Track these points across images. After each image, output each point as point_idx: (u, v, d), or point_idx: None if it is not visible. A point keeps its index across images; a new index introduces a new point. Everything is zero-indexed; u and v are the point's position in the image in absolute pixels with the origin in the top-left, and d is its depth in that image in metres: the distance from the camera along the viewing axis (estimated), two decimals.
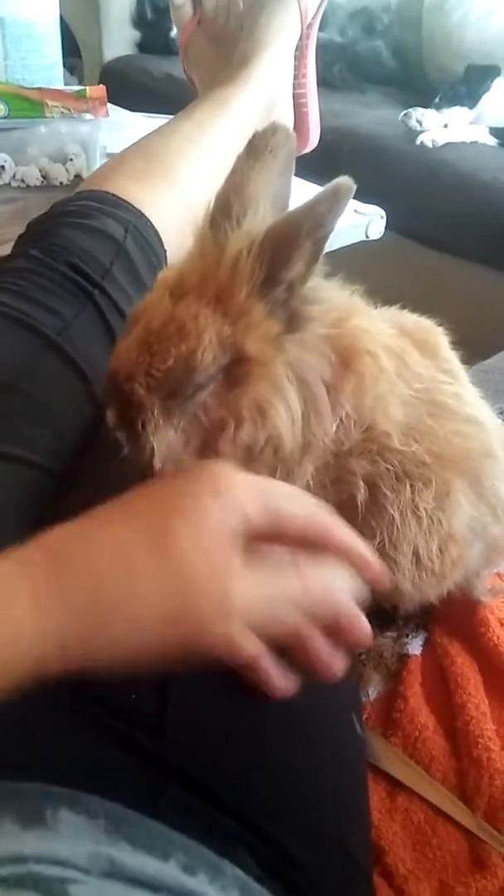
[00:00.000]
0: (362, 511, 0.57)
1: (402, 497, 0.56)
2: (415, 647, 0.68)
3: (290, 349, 0.49)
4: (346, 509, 0.57)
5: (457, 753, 0.59)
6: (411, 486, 0.56)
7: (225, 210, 0.50)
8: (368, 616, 0.68)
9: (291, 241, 0.45)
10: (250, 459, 0.51)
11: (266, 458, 0.51)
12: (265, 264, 0.46)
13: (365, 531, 0.58)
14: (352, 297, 0.56)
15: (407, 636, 0.69)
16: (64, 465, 0.63)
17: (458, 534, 0.59)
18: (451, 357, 0.61)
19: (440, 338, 0.61)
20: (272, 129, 0.52)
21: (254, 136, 0.52)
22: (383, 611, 0.67)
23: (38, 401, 0.64)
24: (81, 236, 0.75)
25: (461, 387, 0.61)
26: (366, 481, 0.56)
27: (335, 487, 0.57)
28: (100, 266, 0.73)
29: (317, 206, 0.44)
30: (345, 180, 0.43)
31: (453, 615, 0.69)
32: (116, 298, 0.73)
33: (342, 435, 0.53)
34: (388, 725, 0.61)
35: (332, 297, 0.53)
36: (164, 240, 0.84)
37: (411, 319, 0.61)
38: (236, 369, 0.48)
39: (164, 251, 0.85)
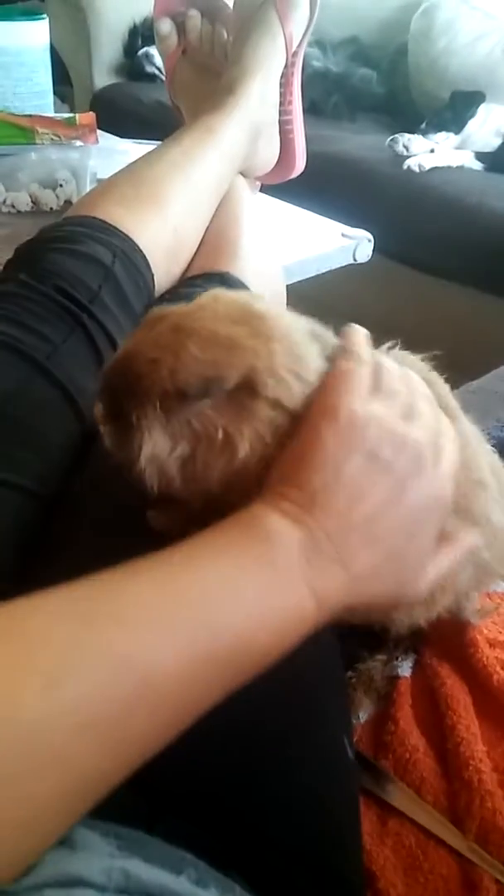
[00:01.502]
0: None
1: None
2: (405, 669, 0.68)
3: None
4: None
5: (447, 775, 0.58)
6: None
7: None
8: (357, 639, 0.69)
9: None
10: (237, 481, 0.51)
11: (250, 485, 0.52)
12: None
13: None
14: None
15: (397, 659, 0.69)
16: (51, 489, 0.63)
17: None
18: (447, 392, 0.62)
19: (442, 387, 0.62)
20: None
21: None
22: (373, 634, 0.67)
23: (26, 425, 0.64)
24: (69, 261, 0.75)
25: (459, 423, 0.61)
26: None
27: None
28: (88, 290, 0.74)
29: None
30: None
31: (443, 636, 0.68)
32: (105, 322, 0.73)
33: None
34: (378, 748, 0.60)
35: None
36: (151, 264, 0.85)
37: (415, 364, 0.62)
38: (244, 396, 0.49)
39: (152, 275, 0.85)
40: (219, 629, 0.39)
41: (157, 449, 0.49)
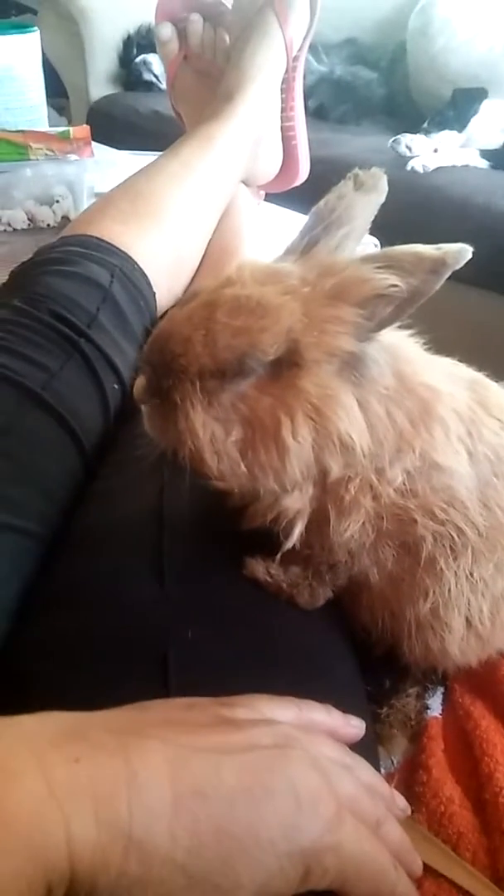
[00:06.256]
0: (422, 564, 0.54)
1: (461, 560, 0.54)
2: (434, 703, 0.64)
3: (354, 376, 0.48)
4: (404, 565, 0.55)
5: (486, 829, 0.54)
6: (473, 549, 0.54)
7: (327, 228, 0.52)
8: (387, 674, 0.65)
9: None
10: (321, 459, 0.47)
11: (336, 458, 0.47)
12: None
13: (418, 590, 0.55)
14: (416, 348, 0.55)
15: (427, 689, 0.65)
16: (51, 526, 0.60)
17: None
18: None
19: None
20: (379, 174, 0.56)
21: (361, 174, 0.55)
22: (401, 668, 0.63)
23: (22, 459, 0.61)
24: (65, 284, 0.72)
25: None
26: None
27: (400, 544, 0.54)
28: (85, 314, 0.70)
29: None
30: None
31: (473, 671, 0.64)
32: (103, 346, 0.70)
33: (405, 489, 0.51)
34: (410, 800, 0.56)
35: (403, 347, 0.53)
36: (152, 282, 0.82)
37: (473, 375, 0.59)
38: (285, 368, 0.46)
39: (153, 293, 0.82)
40: None
41: (206, 431, 0.45)
